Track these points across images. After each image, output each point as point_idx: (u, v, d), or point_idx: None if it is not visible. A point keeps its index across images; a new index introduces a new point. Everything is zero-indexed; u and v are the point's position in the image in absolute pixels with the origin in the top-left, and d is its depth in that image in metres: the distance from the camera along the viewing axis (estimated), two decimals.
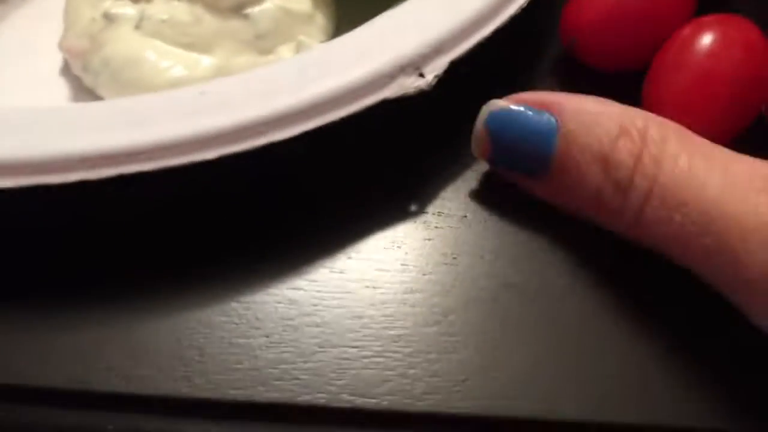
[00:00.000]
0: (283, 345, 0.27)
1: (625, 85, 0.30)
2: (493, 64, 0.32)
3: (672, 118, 0.26)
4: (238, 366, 0.26)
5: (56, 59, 0.33)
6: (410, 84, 0.29)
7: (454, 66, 0.29)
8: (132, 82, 0.31)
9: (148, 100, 0.27)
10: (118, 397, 0.26)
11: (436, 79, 0.29)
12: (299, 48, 0.32)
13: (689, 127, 0.26)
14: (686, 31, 0.30)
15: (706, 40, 0.29)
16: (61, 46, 0.32)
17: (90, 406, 0.26)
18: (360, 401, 0.26)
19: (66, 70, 0.33)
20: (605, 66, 0.33)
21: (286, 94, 0.27)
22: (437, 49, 0.29)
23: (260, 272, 0.28)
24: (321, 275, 0.28)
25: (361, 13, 0.33)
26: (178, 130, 0.26)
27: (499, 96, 0.29)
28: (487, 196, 0.30)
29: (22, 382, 0.26)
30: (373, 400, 0.26)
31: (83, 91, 0.32)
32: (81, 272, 0.28)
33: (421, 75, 0.29)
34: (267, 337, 0.27)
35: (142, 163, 0.26)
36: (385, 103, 0.28)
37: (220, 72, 0.31)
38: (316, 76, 0.28)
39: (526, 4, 0.31)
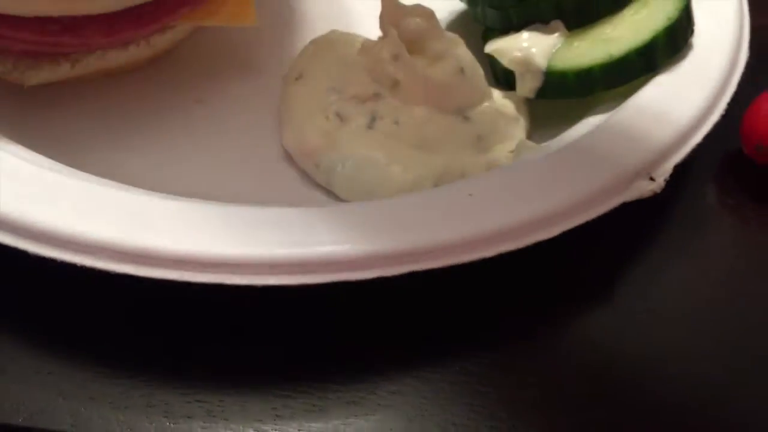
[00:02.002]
0: None
1: None
2: None
3: None
4: None
5: (275, 154, 0.35)
6: (645, 187, 0.31)
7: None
8: (370, 180, 0.32)
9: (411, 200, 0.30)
10: None
11: (665, 182, 0.32)
12: (520, 148, 0.34)
13: None
14: None
15: None
16: (291, 142, 0.34)
17: None
18: None
19: (288, 165, 0.35)
20: None
21: (546, 195, 0.30)
22: (663, 154, 0.32)
23: None
24: None
25: (547, 117, 0.36)
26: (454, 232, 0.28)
27: None
28: None
29: None
30: None
31: (307, 186, 0.34)
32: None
33: (652, 179, 0.31)
34: None
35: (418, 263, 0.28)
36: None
37: (450, 171, 0.33)
38: (553, 184, 0.30)
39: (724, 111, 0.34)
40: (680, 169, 0.32)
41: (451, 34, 0.35)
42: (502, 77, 0.37)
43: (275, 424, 0.27)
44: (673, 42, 0.35)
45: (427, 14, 0.34)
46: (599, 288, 0.32)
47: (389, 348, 0.30)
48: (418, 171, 0.33)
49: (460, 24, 0.41)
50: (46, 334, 0.29)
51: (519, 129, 0.35)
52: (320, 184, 0.34)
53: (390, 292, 0.29)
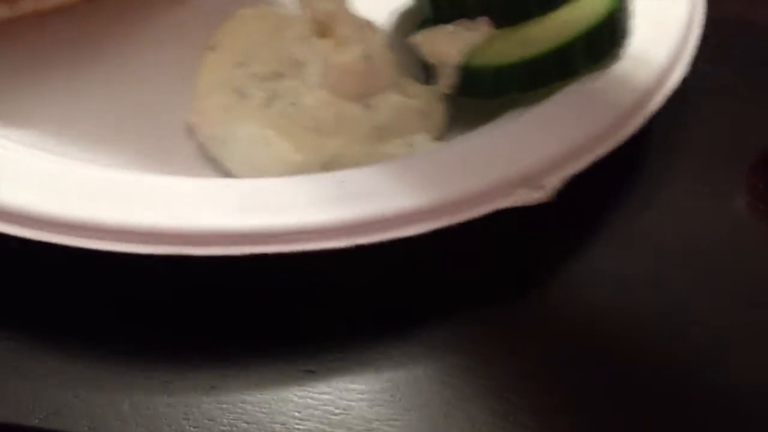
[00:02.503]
0: None
1: None
2: None
3: None
4: None
5: (181, 122, 0.35)
6: (530, 195, 0.30)
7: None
8: (259, 158, 0.32)
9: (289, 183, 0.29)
10: None
11: (555, 192, 0.30)
12: (416, 144, 0.33)
13: None
14: None
15: None
16: (191, 113, 0.34)
17: None
18: None
19: (190, 135, 0.34)
20: None
21: (421, 190, 0.29)
22: (557, 164, 0.30)
23: None
24: None
25: (469, 114, 0.34)
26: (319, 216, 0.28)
27: None
28: None
29: None
30: None
31: (201, 158, 0.34)
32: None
33: (541, 187, 0.30)
34: None
35: (280, 245, 0.27)
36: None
37: (339, 158, 0.32)
38: (439, 180, 0.29)
39: (644, 123, 0.33)
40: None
41: (365, 20, 0.34)
42: (424, 70, 0.36)
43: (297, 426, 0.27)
44: (594, 49, 0.33)
45: None
46: None
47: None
48: (307, 154, 0.32)
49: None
50: (61, 334, 0.29)
51: (428, 124, 0.34)
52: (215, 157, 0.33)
53: None
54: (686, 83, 0.36)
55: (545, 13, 0.34)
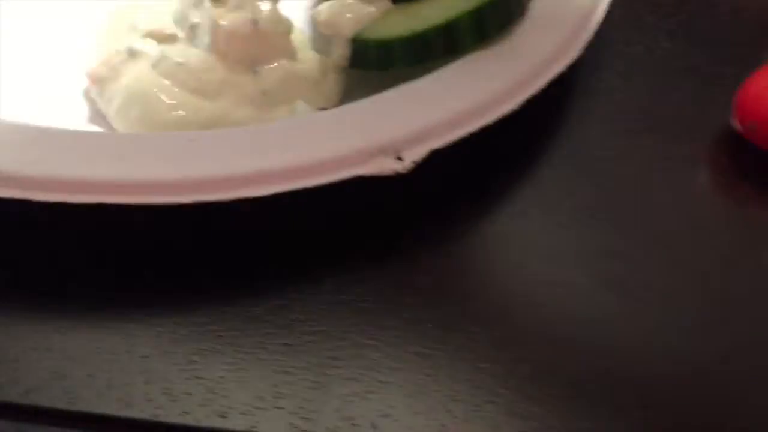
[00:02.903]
0: None
1: None
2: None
3: None
4: None
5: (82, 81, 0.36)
6: (388, 165, 0.30)
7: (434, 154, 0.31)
8: (140, 115, 0.33)
9: (143, 138, 0.30)
10: None
11: (413, 165, 0.30)
12: (295, 111, 0.33)
13: None
14: None
15: None
16: (85, 71, 0.35)
17: None
18: None
19: (87, 92, 0.36)
20: None
21: (268, 154, 0.29)
22: (419, 137, 0.31)
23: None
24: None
25: (369, 83, 0.35)
26: (161, 172, 0.29)
27: None
28: None
29: None
30: None
31: (97, 115, 0.35)
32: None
33: (399, 158, 0.30)
34: None
35: (121, 196, 0.28)
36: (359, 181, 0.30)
37: (220, 120, 0.33)
38: (303, 142, 0.30)
39: (520, 104, 0.32)
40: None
41: None
42: (320, 41, 0.36)
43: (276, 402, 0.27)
44: (480, 26, 0.33)
45: None
46: None
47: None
48: (185, 114, 0.33)
49: None
50: (40, 310, 0.29)
51: (319, 93, 0.35)
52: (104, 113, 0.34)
53: None
54: (650, 62, 0.38)
55: None
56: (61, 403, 0.27)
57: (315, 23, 0.36)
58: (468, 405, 0.27)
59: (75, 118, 0.35)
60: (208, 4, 0.34)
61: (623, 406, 0.28)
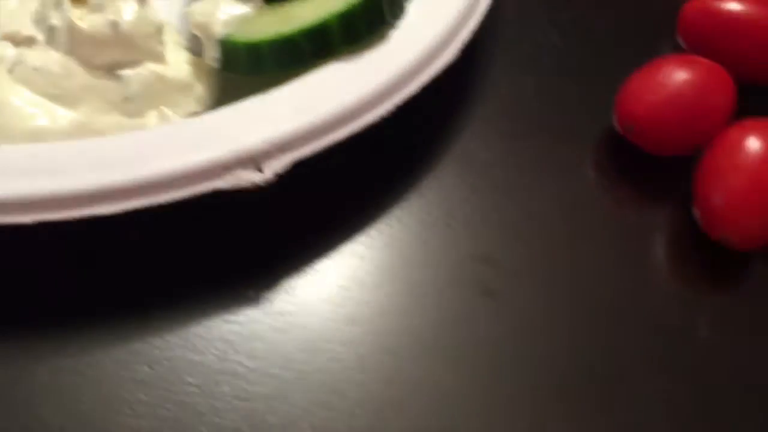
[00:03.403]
0: None
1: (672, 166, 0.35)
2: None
3: (726, 218, 0.32)
4: None
5: None
6: (247, 178, 0.29)
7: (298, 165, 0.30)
8: None
9: None
10: None
11: (275, 177, 0.29)
12: (162, 118, 0.32)
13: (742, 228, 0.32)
14: (733, 134, 0.33)
15: (754, 144, 0.32)
16: None
17: None
18: None
19: None
20: (657, 151, 0.35)
21: (117, 169, 0.28)
22: (280, 147, 0.30)
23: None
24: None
25: (242, 87, 0.34)
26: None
27: None
28: None
29: None
30: None
31: None
32: None
33: (260, 170, 0.29)
34: None
35: None
36: (219, 193, 0.29)
37: (82, 128, 0.32)
38: (152, 155, 0.29)
39: (388, 112, 0.31)
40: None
41: None
42: (194, 42, 0.35)
43: None
44: (349, 29, 0.32)
45: None
46: None
47: None
48: (44, 122, 0.31)
49: None
50: None
51: (189, 98, 0.34)
52: None
53: None
54: (539, 60, 0.38)
55: None
56: None
57: (188, 23, 0.34)
58: None
59: None
60: (67, 5, 0.32)
61: None
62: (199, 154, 0.29)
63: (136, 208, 0.28)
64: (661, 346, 0.31)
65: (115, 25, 0.32)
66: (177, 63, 0.34)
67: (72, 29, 0.32)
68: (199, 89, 0.34)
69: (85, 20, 0.32)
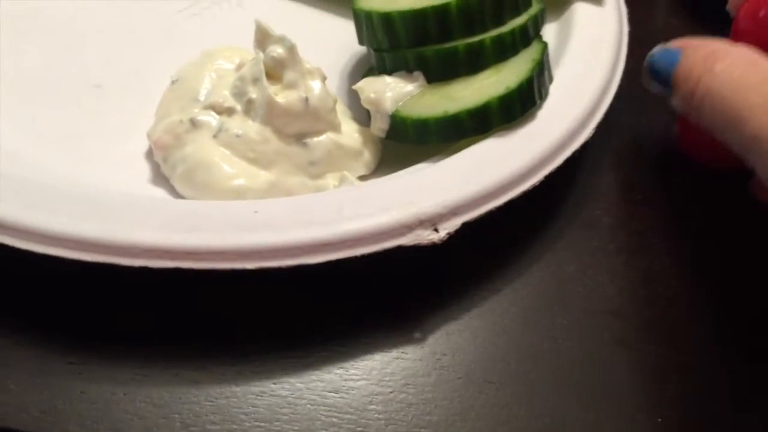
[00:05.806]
0: None
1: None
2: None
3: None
4: None
5: (144, 144, 0.40)
6: (425, 236, 0.34)
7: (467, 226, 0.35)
8: (201, 182, 0.37)
9: (210, 207, 0.34)
10: None
11: (447, 236, 0.34)
12: (342, 180, 0.37)
13: None
14: None
15: None
16: (149, 136, 0.38)
17: None
18: None
19: (149, 155, 0.39)
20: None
21: (322, 225, 0.33)
22: (453, 211, 0.35)
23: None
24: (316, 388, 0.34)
25: (401, 152, 0.39)
26: (229, 240, 0.32)
27: None
28: None
29: None
30: None
31: (159, 177, 0.38)
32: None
33: (436, 230, 0.34)
34: None
35: (193, 262, 0.32)
36: (400, 249, 0.34)
37: (274, 187, 0.37)
38: (349, 215, 0.34)
39: (540, 181, 0.37)
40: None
41: (313, 68, 0.38)
42: (364, 113, 0.40)
43: None
44: (507, 110, 0.37)
45: (289, 46, 0.38)
46: None
47: None
48: (244, 181, 0.37)
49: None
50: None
51: (360, 162, 0.39)
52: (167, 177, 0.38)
53: None
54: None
55: (473, 73, 0.39)
56: None
57: (360, 97, 0.40)
58: None
59: (137, 179, 0.39)
60: (265, 83, 0.37)
61: None
62: (389, 215, 0.34)
63: (336, 260, 0.33)
64: None
65: (306, 100, 0.38)
66: (349, 132, 0.39)
67: (270, 103, 0.37)
68: (367, 155, 0.39)
69: (280, 96, 0.38)
